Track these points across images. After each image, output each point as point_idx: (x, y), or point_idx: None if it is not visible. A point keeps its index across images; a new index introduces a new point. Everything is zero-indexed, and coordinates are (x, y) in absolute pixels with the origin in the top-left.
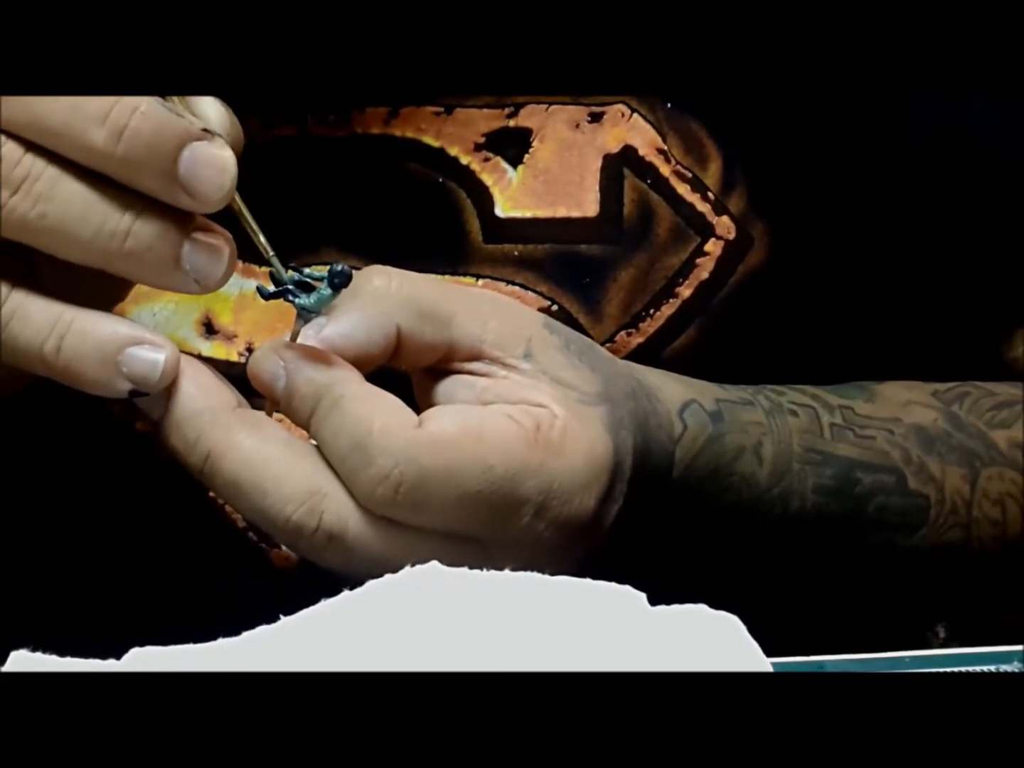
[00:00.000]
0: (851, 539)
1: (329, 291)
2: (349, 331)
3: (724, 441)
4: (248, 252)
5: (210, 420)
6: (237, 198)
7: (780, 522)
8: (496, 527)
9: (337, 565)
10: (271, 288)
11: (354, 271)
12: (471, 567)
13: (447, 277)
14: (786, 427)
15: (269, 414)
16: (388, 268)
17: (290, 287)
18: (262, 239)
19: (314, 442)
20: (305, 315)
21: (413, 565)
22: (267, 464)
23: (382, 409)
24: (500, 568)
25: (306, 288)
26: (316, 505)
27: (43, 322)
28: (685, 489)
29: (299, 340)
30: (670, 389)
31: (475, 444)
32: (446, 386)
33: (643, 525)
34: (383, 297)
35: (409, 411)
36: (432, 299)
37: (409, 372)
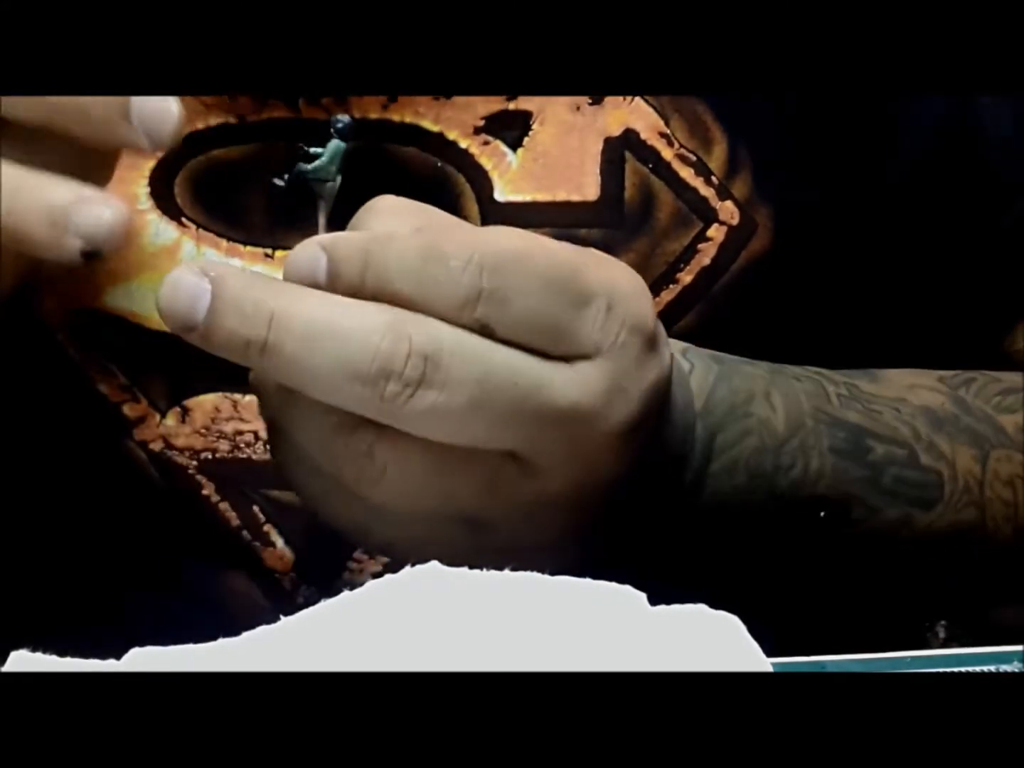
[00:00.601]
0: (871, 512)
1: (336, 142)
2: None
3: (732, 382)
4: (234, 233)
5: (265, 285)
6: None
7: (801, 483)
8: (575, 315)
9: (429, 414)
10: (283, 178)
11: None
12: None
13: None
14: (792, 386)
15: None
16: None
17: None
18: None
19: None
20: (323, 189)
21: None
22: (340, 308)
23: (440, 222)
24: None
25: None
26: (402, 328)
27: None
28: (708, 436)
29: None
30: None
31: (534, 238)
32: None
33: (667, 501)
34: (399, 208)
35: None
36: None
37: None
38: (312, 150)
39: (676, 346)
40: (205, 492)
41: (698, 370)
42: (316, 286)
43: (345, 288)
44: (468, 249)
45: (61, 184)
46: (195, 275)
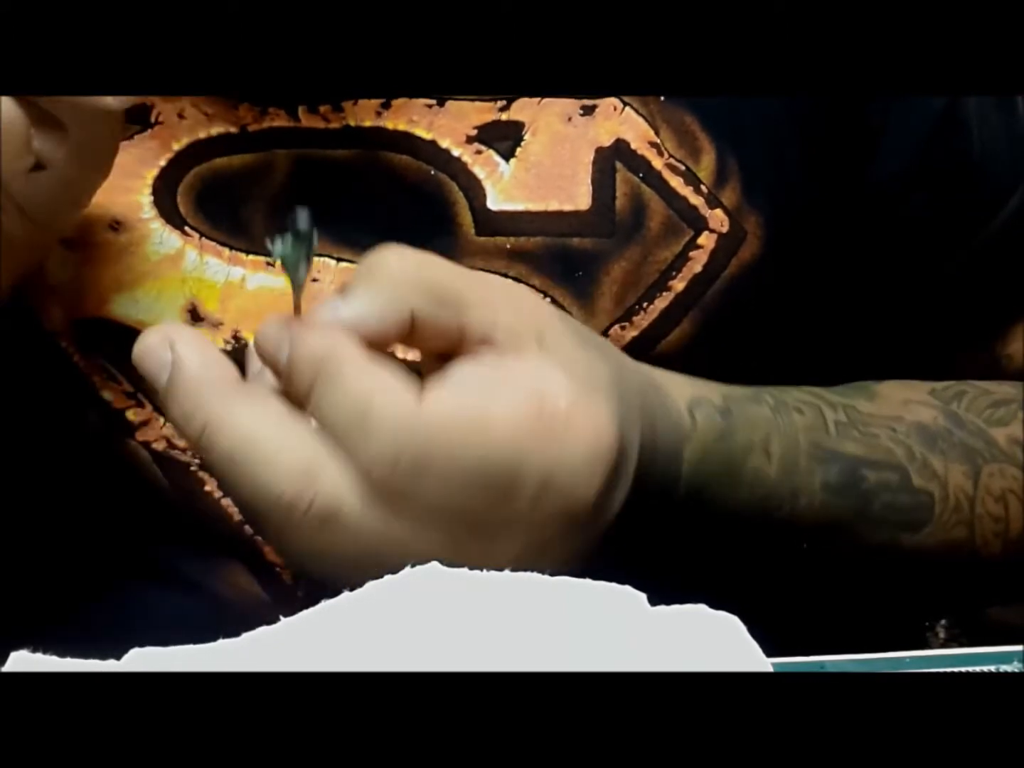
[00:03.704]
0: (856, 537)
1: (290, 237)
2: (363, 314)
3: (734, 437)
4: (236, 241)
5: (209, 392)
6: None
7: (788, 520)
8: (496, 508)
9: (328, 550)
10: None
11: (371, 250)
12: (469, 557)
13: None
14: (792, 424)
15: None
16: (404, 249)
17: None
18: None
19: (313, 420)
20: (294, 274)
21: (402, 556)
22: (262, 440)
23: (382, 383)
24: (499, 558)
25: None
26: (309, 484)
27: None
28: (696, 486)
29: (313, 319)
30: (678, 386)
31: (475, 423)
32: (454, 368)
33: (650, 521)
34: (399, 280)
35: (411, 385)
36: (447, 284)
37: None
38: (277, 243)
39: (687, 396)
40: (207, 488)
41: (700, 428)
42: (276, 369)
43: (292, 392)
44: (390, 437)
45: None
46: (162, 347)
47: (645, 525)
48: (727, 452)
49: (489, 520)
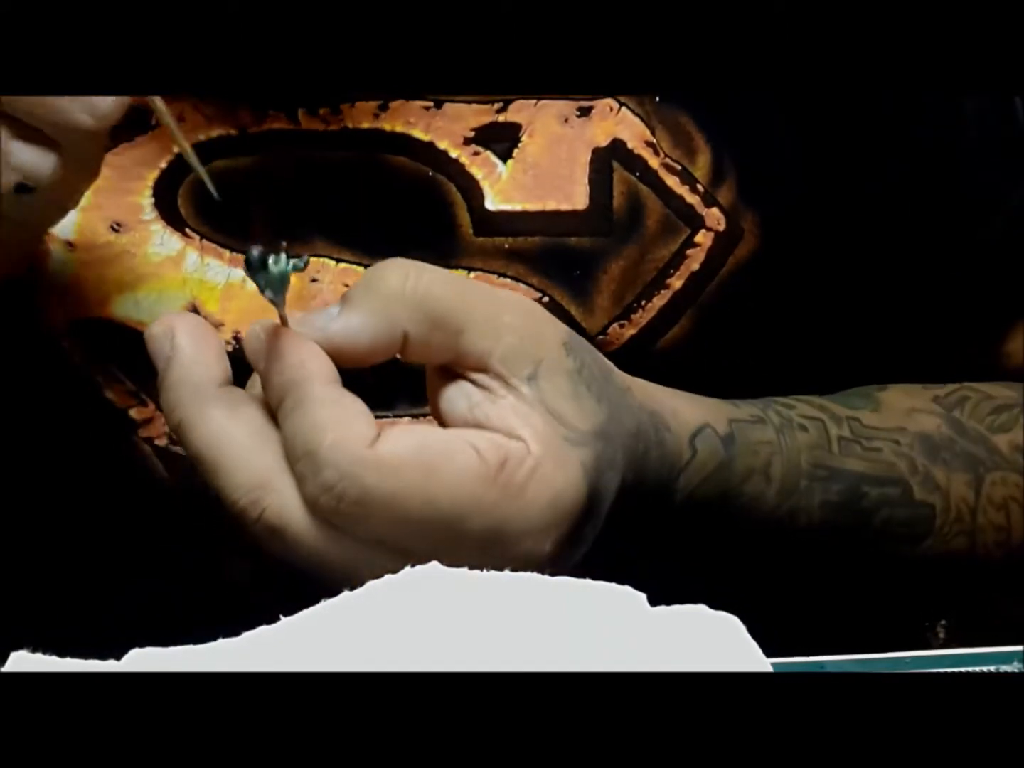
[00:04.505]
0: (855, 551)
1: (261, 275)
2: (354, 331)
3: (735, 465)
4: (236, 243)
5: (189, 392)
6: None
7: (785, 538)
8: (438, 554)
9: (278, 556)
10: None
11: (370, 252)
12: None
13: None
14: (795, 444)
15: None
16: (407, 263)
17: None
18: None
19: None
20: (275, 300)
21: (352, 571)
22: (227, 447)
23: (341, 420)
24: None
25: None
26: (260, 498)
27: None
28: (689, 512)
29: (302, 330)
30: (685, 413)
31: (423, 474)
32: (449, 390)
33: (637, 546)
34: (395, 298)
35: (369, 424)
36: (446, 306)
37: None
38: (255, 276)
39: (693, 425)
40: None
41: (699, 458)
42: (257, 369)
43: (267, 400)
44: (337, 475)
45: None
46: (163, 338)
47: (629, 545)
48: (725, 479)
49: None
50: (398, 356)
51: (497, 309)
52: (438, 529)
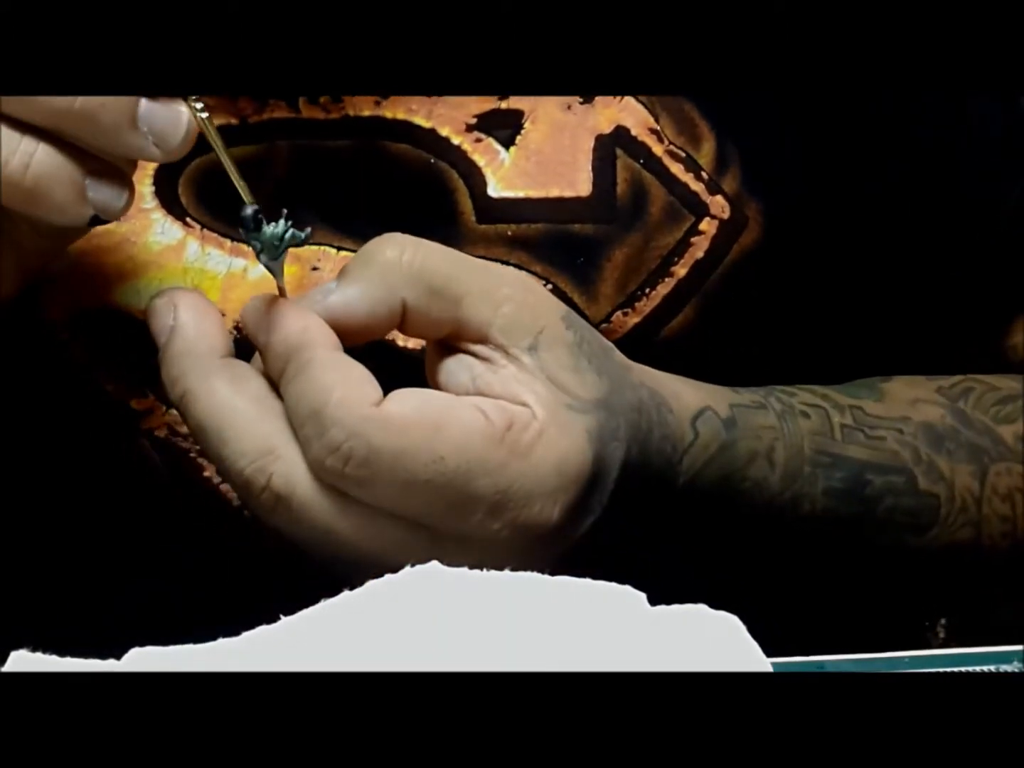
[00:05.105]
0: (860, 540)
1: (256, 238)
2: (353, 302)
3: (737, 448)
4: (237, 232)
5: (193, 362)
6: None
7: (789, 525)
8: (446, 518)
9: (284, 529)
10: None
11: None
12: (419, 555)
13: None
14: (798, 430)
15: None
16: (404, 237)
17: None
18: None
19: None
20: (272, 268)
21: (358, 544)
22: (232, 415)
23: (345, 380)
24: (450, 560)
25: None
26: (267, 464)
27: (10, 140)
28: (693, 496)
29: (303, 303)
30: (686, 396)
31: (429, 432)
32: (449, 363)
33: (642, 529)
34: (393, 270)
35: (374, 387)
36: (444, 276)
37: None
38: (248, 237)
39: (694, 407)
40: (206, 474)
41: (701, 440)
42: (257, 348)
43: (268, 371)
44: (343, 434)
45: (77, 149)
46: (166, 311)
47: (636, 530)
48: (728, 463)
49: (440, 528)
50: (398, 332)
51: (495, 281)
52: (445, 491)
